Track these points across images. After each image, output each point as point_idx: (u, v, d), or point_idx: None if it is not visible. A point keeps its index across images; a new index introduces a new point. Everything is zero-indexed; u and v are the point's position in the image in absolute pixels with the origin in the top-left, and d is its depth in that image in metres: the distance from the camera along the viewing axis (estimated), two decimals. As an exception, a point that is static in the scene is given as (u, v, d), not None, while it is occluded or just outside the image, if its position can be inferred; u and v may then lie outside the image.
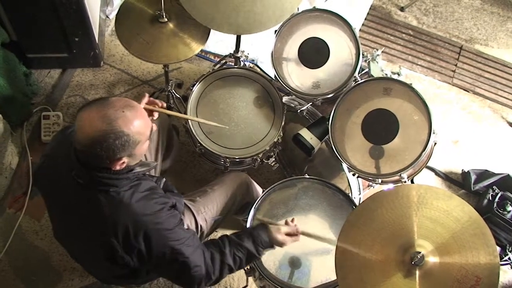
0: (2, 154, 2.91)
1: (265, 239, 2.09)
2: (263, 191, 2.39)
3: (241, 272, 2.83)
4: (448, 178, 3.41)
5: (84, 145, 1.68)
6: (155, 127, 1.89)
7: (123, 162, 1.76)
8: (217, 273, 2.00)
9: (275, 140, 2.56)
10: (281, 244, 2.14)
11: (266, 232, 2.12)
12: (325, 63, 2.61)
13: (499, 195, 3.18)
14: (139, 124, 1.74)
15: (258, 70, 3.23)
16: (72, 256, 2.19)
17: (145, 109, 2.04)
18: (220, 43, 3.63)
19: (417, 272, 1.72)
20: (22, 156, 3.13)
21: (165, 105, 2.13)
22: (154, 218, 1.84)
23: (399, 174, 2.29)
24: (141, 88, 3.46)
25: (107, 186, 1.79)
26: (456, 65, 3.88)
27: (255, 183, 2.62)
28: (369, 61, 2.63)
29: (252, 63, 3.49)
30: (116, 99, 1.75)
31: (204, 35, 2.66)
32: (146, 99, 2.05)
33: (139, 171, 1.90)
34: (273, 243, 2.12)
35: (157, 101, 2.10)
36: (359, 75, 2.53)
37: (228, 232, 2.93)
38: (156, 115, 2.10)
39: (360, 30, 3.92)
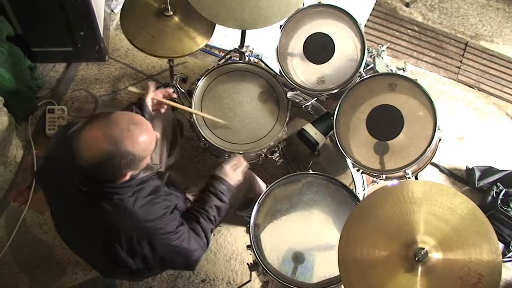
0: (7, 147, 2.91)
1: (223, 187, 2.20)
2: (267, 187, 2.39)
3: (245, 267, 2.85)
4: (452, 175, 3.41)
5: (90, 164, 1.67)
6: (158, 135, 1.88)
7: (128, 175, 1.76)
8: (205, 241, 2.07)
9: (280, 135, 2.56)
10: (237, 181, 2.28)
11: (221, 180, 2.20)
12: (330, 58, 2.61)
13: (503, 192, 3.17)
14: (144, 141, 1.73)
15: (263, 65, 3.23)
16: (74, 251, 2.20)
17: (159, 102, 2.05)
18: (225, 37, 3.63)
19: (420, 268, 1.72)
20: (27, 150, 3.14)
21: (175, 95, 2.14)
22: (157, 223, 1.86)
23: (403, 170, 2.29)
24: (146, 82, 3.45)
25: (111, 194, 1.79)
26: (461, 61, 3.87)
27: (258, 179, 2.62)
28: (374, 57, 2.62)
29: (257, 58, 3.49)
30: (120, 115, 1.73)
31: (209, 30, 2.65)
32: (162, 92, 2.05)
33: (142, 176, 1.89)
34: (231, 184, 2.24)
35: (171, 93, 2.10)
36: (364, 70, 2.53)
37: (231, 228, 2.96)
38: (164, 109, 2.11)
39: (365, 25, 3.91)
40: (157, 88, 3.26)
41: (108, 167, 1.67)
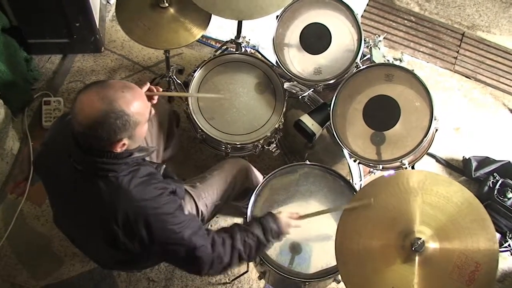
0: (3, 139, 2.91)
1: (274, 226, 2.08)
2: (263, 177, 2.39)
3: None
4: (449, 165, 3.41)
5: (85, 127, 1.68)
6: (153, 111, 1.89)
7: (124, 144, 1.76)
8: (228, 257, 1.98)
9: (276, 126, 2.56)
10: (287, 231, 2.13)
11: (274, 219, 2.11)
12: (327, 49, 2.61)
13: (499, 182, 3.17)
14: (138, 105, 1.74)
15: (260, 56, 3.23)
16: (73, 242, 2.20)
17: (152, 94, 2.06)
18: (221, 28, 3.61)
19: (417, 258, 1.72)
20: (23, 142, 3.13)
21: (160, 88, 2.15)
22: (153, 203, 1.85)
23: (400, 160, 2.29)
24: (142, 74, 3.45)
25: (106, 171, 1.79)
26: (458, 51, 3.87)
27: (254, 169, 2.62)
28: (371, 47, 2.62)
29: (254, 49, 3.48)
30: (115, 81, 1.76)
31: (205, 21, 2.65)
32: (146, 87, 2.05)
33: (138, 156, 1.89)
34: (281, 229, 2.10)
35: (154, 88, 2.10)
36: (361, 61, 2.53)
37: (228, 218, 2.96)
38: (155, 99, 2.11)
39: (361, 16, 3.90)
40: (154, 79, 3.29)
41: (104, 127, 1.67)
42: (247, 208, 2.30)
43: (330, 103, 2.44)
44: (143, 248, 1.90)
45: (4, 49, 2.88)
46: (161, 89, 2.11)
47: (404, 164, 2.31)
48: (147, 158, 2.15)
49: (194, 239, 1.91)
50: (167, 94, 2.27)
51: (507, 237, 3.12)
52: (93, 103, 1.66)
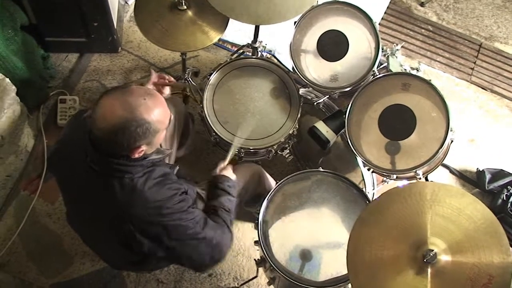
0: (18, 136, 2.92)
1: (228, 183, 2.24)
2: (276, 183, 2.38)
3: (252, 263, 2.85)
4: (463, 177, 3.39)
5: (105, 133, 1.68)
6: (172, 116, 1.89)
7: (142, 150, 1.76)
8: (227, 237, 2.06)
9: (291, 132, 2.55)
10: (235, 178, 2.34)
11: (224, 178, 2.26)
12: (343, 56, 2.60)
13: (513, 195, 3.15)
14: (159, 113, 1.74)
15: (276, 61, 3.22)
16: (85, 242, 2.20)
17: (156, 84, 2.08)
18: (238, 32, 3.62)
19: (429, 270, 1.70)
20: (38, 139, 3.15)
21: (172, 79, 2.17)
22: (167, 203, 1.85)
23: (414, 170, 2.28)
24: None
25: (122, 172, 1.80)
26: (475, 62, 3.84)
27: (267, 175, 2.62)
28: (388, 56, 2.61)
29: (270, 54, 3.48)
30: (137, 87, 1.76)
31: (222, 24, 2.65)
32: (154, 75, 2.06)
33: (154, 158, 1.90)
34: (233, 180, 2.30)
35: (165, 75, 2.11)
36: (378, 69, 2.52)
37: (239, 224, 2.96)
38: (166, 91, 2.12)
39: (379, 24, 3.89)
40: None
41: (124, 135, 1.67)
42: (258, 213, 2.30)
43: (346, 111, 2.43)
44: (160, 247, 1.90)
45: (22, 46, 2.90)
46: (172, 78, 2.14)
47: (418, 175, 2.30)
48: (160, 160, 2.16)
49: (206, 232, 1.95)
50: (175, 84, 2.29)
51: (519, 251, 3.08)
52: (114, 110, 1.67)
